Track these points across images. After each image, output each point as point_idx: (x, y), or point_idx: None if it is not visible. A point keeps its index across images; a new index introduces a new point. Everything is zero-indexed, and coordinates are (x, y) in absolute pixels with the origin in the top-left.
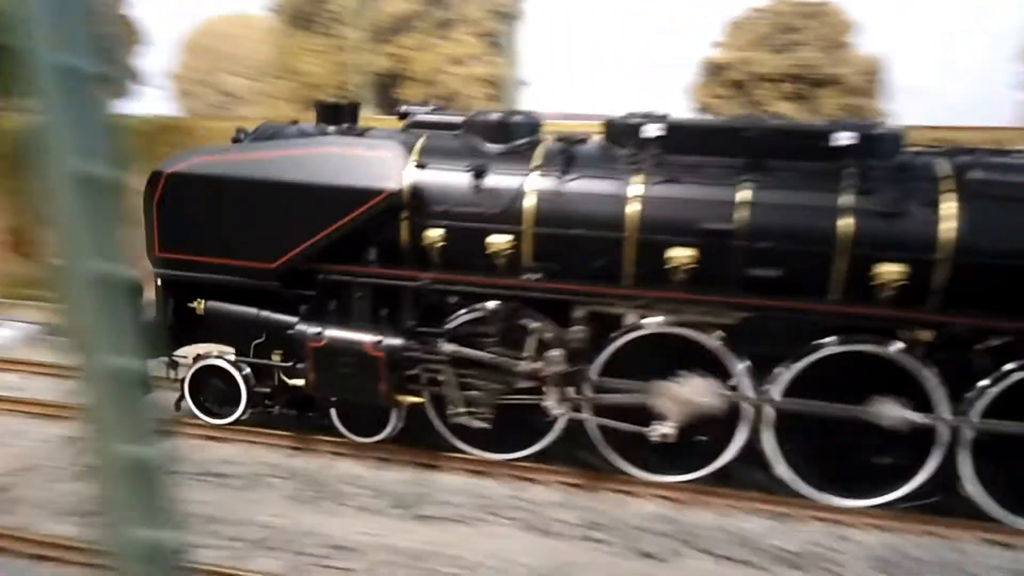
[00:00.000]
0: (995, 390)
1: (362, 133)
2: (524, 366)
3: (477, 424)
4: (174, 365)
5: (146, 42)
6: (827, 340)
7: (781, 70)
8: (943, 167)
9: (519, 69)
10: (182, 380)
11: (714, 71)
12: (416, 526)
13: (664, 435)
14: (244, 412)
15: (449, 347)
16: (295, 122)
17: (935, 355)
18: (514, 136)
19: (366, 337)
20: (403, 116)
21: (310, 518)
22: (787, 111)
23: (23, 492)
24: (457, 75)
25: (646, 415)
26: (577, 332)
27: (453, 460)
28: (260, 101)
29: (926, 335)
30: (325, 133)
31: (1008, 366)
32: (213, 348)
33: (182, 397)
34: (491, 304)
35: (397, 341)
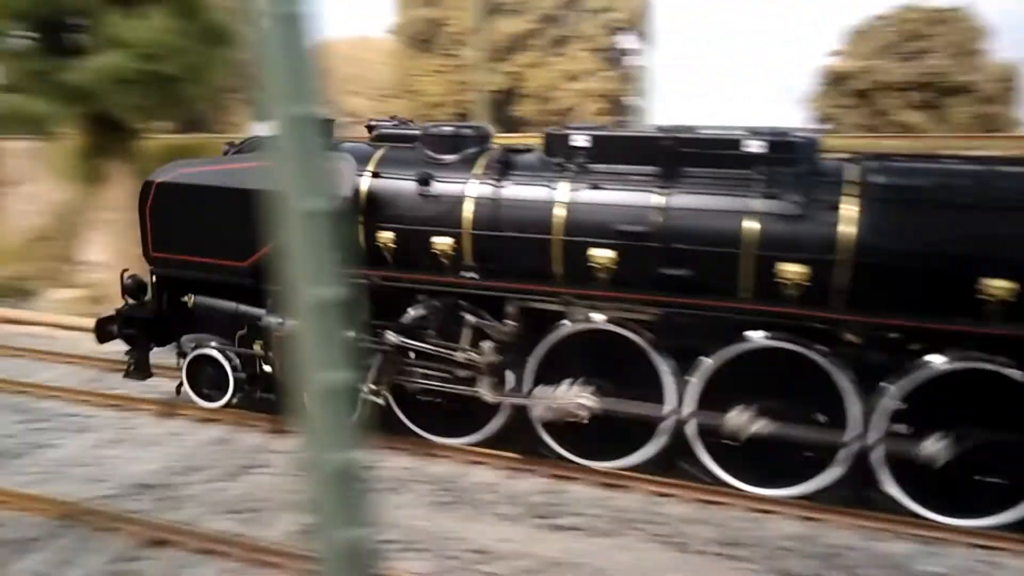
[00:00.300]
0: (913, 381)
1: (334, 147)
2: (460, 356)
3: (379, 402)
4: (183, 354)
5: None
6: (751, 335)
7: (908, 79)
8: (851, 172)
9: (639, 83)
10: (182, 368)
11: (836, 81)
12: (553, 535)
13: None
14: (232, 397)
15: (394, 338)
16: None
17: (865, 356)
18: (462, 147)
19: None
20: (371, 129)
21: (452, 523)
22: (915, 121)
23: (186, 490)
24: (571, 91)
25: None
26: (507, 326)
27: (585, 472)
28: None
29: (853, 336)
30: None
31: (933, 358)
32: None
33: (182, 383)
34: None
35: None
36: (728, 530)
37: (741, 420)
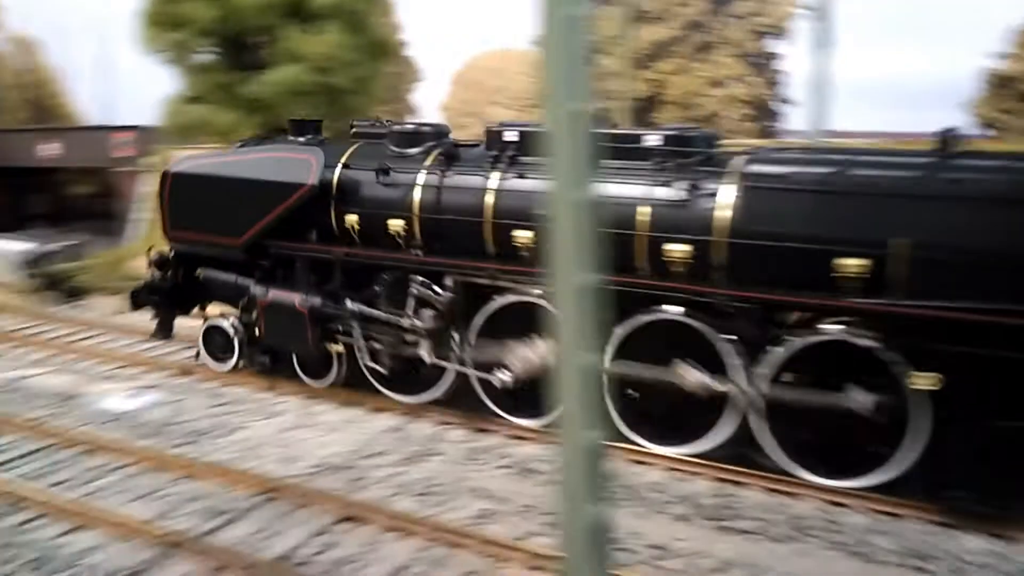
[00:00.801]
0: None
1: (321, 143)
2: (405, 322)
3: (379, 368)
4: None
5: (422, 78)
6: (668, 309)
7: None
8: (735, 163)
9: (785, 88)
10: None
11: (1000, 84)
12: (729, 538)
13: (504, 381)
14: (238, 360)
15: (353, 306)
16: (269, 135)
17: (741, 327)
18: (420, 142)
19: (295, 296)
20: (351, 127)
21: (626, 519)
22: None
23: (370, 473)
24: (715, 97)
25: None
26: (446, 296)
27: (754, 476)
28: None
29: (730, 309)
30: (289, 142)
31: (828, 327)
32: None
33: (199, 351)
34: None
35: (317, 300)
36: (911, 542)
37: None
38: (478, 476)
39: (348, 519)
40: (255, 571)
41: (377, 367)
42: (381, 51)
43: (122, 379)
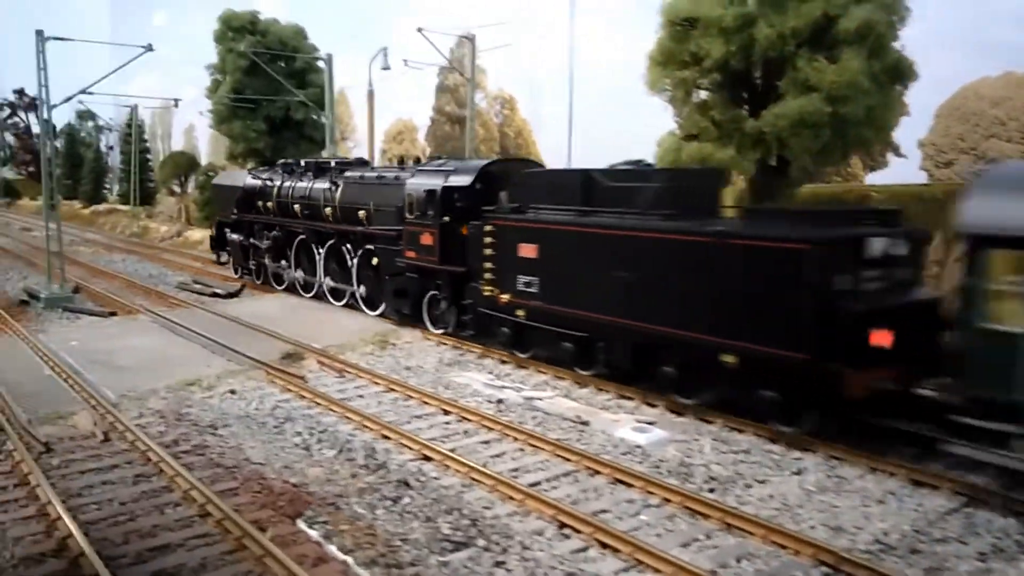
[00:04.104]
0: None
1: (271, 168)
2: (262, 246)
3: (252, 268)
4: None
5: (906, 113)
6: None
7: None
8: (355, 172)
9: None
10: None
11: None
12: None
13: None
14: (241, 274)
15: (250, 241)
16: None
17: (347, 243)
18: (290, 169)
19: (238, 236)
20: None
21: None
22: None
23: (946, 563)
24: None
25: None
26: (273, 235)
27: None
28: None
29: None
30: (257, 168)
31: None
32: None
33: (223, 260)
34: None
35: (242, 238)
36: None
37: (327, 281)
38: None
39: None
40: None
41: (253, 269)
42: (898, 77)
43: (622, 410)
